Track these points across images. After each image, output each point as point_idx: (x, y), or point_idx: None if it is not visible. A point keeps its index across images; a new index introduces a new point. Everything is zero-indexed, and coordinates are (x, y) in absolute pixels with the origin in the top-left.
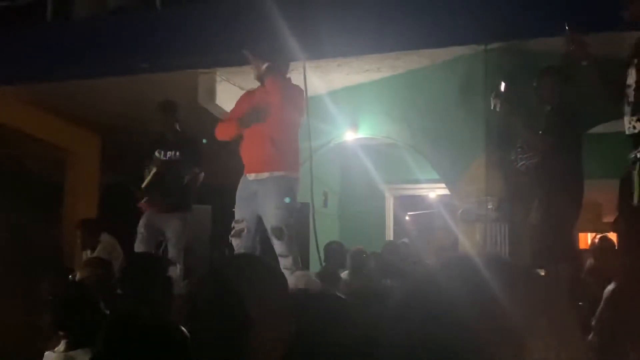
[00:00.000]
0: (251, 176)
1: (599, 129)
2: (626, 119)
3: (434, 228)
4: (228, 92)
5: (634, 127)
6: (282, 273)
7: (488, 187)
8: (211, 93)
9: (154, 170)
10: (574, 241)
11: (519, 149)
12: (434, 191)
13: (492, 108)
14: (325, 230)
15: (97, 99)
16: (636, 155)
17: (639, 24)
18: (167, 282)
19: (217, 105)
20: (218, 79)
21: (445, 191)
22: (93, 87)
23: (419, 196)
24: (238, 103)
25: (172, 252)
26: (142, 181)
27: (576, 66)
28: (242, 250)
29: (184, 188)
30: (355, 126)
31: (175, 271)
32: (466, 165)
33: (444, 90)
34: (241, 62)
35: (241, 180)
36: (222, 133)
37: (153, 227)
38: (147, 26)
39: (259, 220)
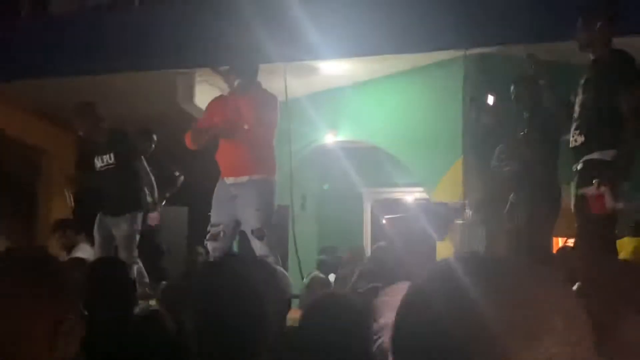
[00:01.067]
0: (229, 180)
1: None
2: (571, 132)
3: (411, 232)
4: (207, 92)
5: (576, 141)
6: (284, 272)
7: (466, 190)
8: (190, 93)
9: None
10: (551, 245)
11: (502, 155)
12: (412, 195)
13: (475, 120)
14: (303, 233)
15: (73, 98)
16: (576, 168)
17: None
18: (125, 285)
19: (195, 105)
20: (197, 79)
21: (424, 195)
22: (69, 86)
23: (397, 200)
24: (209, 110)
25: (122, 254)
26: None
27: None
28: (216, 254)
29: (127, 189)
30: (334, 129)
31: (133, 273)
32: (445, 169)
33: (424, 95)
34: (220, 62)
35: (218, 184)
36: (193, 142)
37: (105, 230)
38: (124, 24)
39: (237, 224)
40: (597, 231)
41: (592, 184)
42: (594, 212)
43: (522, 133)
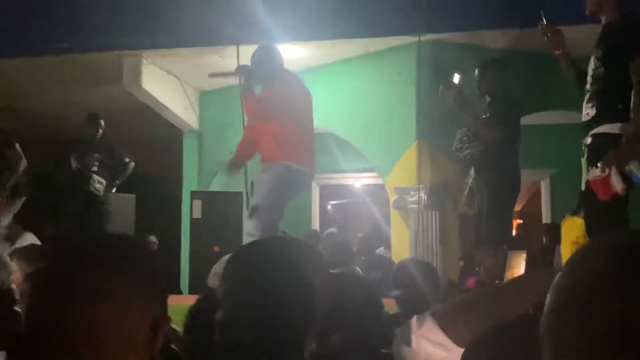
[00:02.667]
0: (263, 165)
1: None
2: (583, 106)
3: (358, 216)
4: (154, 75)
5: (587, 114)
6: (319, 252)
7: (420, 175)
8: (136, 76)
9: None
10: (511, 228)
11: (465, 138)
12: (360, 180)
13: (441, 99)
14: None
15: (13, 80)
16: (585, 143)
17: (595, 18)
18: None
19: (143, 88)
20: (144, 61)
21: (371, 180)
22: (8, 67)
23: (345, 185)
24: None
25: None
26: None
27: (513, 59)
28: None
29: None
30: None
31: None
32: (399, 154)
33: (378, 80)
34: (169, 44)
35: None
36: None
37: None
38: (67, 3)
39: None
40: (607, 217)
41: (601, 158)
42: (602, 199)
43: (483, 117)
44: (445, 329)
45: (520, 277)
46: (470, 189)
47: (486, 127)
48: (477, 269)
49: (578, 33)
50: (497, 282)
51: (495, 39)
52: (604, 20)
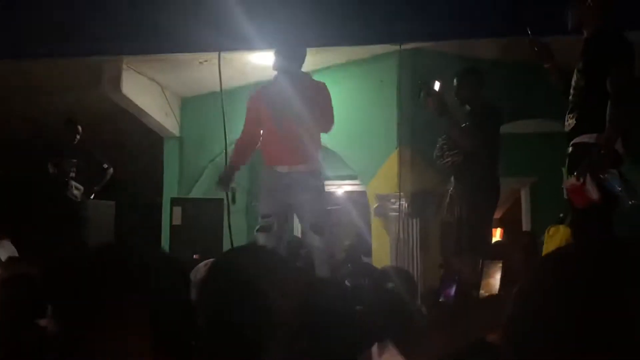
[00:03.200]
0: (282, 168)
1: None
2: (566, 116)
3: (341, 224)
4: (135, 81)
5: (569, 125)
6: (295, 265)
7: (402, 182)
8: (117, 82)
9: None
10: (490, 236)
11: (445, 146)
12: (342, 188)
13: (422, 105)
14: (233, 226)
15: None
16: (567, 152)
17: (579, 30)
18: None
19: (123, 94)
20: (125, 67)
21: (353, 188)
22: None
23: (327, 192)
24: (252, 105)
25: None
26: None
27: (492, 69)
28: (270, 245)
29: None
30: None
31: None
32: (381, 161)
33: (360, 88)
34: (150, 50)
35: (267, 173)
36: (243, 156)
37: None
38: (46, 7)
39: (287, 214)
40: (589, 224)
41: (579, 166)
42: (578, 206)
43: (463, 125)
44: (406, 355)
45: (489, 297)
46: (451, 196)
47: (466, 136)
48: (456, 277)
49: (565, 44)
50: (474, 292)
51: (476, 48)
52: (585, 34)
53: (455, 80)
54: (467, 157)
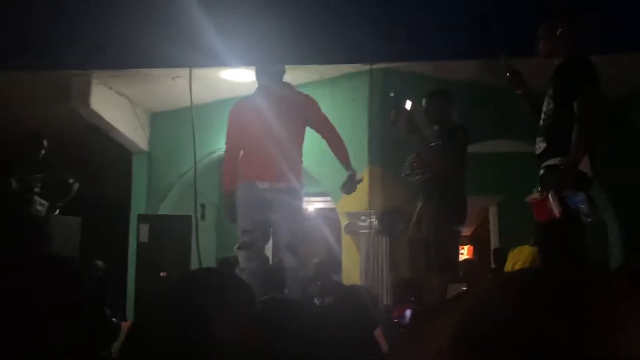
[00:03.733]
0: (263, 184)
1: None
2: (537, 140)
3: (312, 241)
4: (104, 95)
5: (539, 147)
6: (248, 286)
7: (371, 200)
8: (85, 96)
9: None
10: (457, 254)
11: (414, 164)
12: (313, 205)
13: (392, 123)
14: (202, 243)
15: None
16: (540, 172)
17: (549, 57)
18: None
19: (92, 109)
20: (94, 81)
21: (324, 204)
22: None
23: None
24: (233, 117)
25: None
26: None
27: (462, 89)
28: (253, 264)
29: None
30: None
31: None
32: None
33: (331, 106)
34: (119, 65)
35: (245, 188)
36: (229, 183)
37: None
38: (14, 19)
39: (267, 230)
40: (550, 240)
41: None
42: (539, 220)
43: (432, 144)
44: None
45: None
46: (419, 215)
47: (434, 155)
48: (412, 298)
49: (535, 66)
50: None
51: (448, 69)
52: (555, 61)
53: (424, 101)
54: (434, 176)
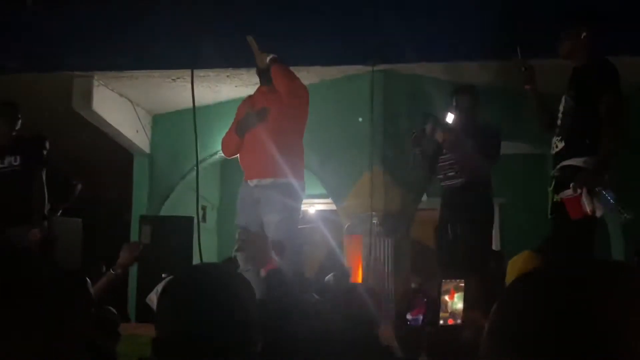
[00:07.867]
0: (252, 182)
1: None
2: (553, 140)
3: (313, 242)
4: (106, 97)
5: (556, 146)
6: (249, 283)
7: (373, 202)
8: (87, 98)
9: None
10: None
11: (450, 170)
12: (314, 206)
13: (428, 135)
14: (203, 245)
15: None
16: (553, 174)
17: (568, 59)
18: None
19: (93, 111)
20: (95, 83)
21: (325, 206)
22: None
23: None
24: (238, 111)
25: None
26: None
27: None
28: (250, 265)
29: (30, 197)
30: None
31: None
32: (353, 181)
33: (332, 108)
34: (122, 67)
35: (242, 187)
36: (226, 149)
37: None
38: (16, 22)
39: (262, 229)
40: (575, 236)
41: (567, 188)
42: (572, 217)
43: (467, 151)
44: None
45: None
46: (444, 218)
47: (477, 161)
48: (425, 299)
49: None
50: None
51: (449, 71)
52: (574, 63)
53: (454, 99)
54: (467, 181)
